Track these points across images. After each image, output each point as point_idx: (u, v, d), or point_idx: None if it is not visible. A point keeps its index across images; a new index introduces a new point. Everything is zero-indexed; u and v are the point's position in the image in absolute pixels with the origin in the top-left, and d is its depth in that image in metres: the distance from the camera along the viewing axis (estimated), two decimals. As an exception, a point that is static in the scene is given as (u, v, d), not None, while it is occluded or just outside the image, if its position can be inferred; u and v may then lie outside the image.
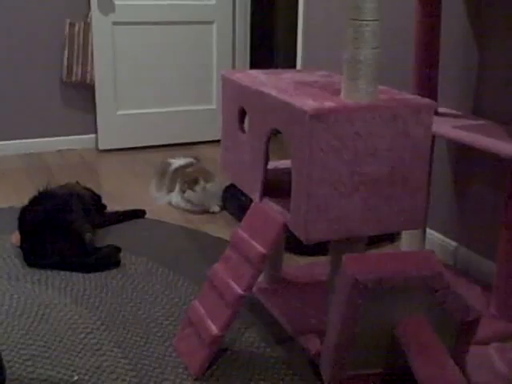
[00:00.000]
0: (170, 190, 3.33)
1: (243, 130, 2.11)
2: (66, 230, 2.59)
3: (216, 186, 3.27)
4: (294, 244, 2.38)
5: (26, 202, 2.74)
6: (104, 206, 3.10)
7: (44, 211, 2.62)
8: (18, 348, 2.04)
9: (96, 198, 3.07)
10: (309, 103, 1.71)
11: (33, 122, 4.22)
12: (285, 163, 2.16)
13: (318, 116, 1.66)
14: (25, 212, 2.68)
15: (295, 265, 2.57)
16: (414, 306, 1.63)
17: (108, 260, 2.61)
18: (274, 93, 1.86)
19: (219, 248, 2.48)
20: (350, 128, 1.70)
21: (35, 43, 4.10)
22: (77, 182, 3.12)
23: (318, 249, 2.58)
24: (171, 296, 2.38)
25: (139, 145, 4.37)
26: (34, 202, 2.72)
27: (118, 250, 2.68)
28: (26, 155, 4.17)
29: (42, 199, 2.72)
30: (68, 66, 4.12)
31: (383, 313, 1.63)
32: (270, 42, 5.63)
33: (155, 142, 4.40)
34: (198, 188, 3.19)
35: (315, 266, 2.49)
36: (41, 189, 2.79)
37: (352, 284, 1.58)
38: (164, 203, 3.34)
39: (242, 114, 2.10)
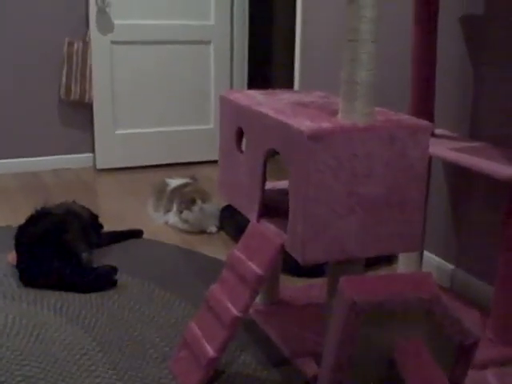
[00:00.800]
0: (168, 210, 3.34)
1: (241, 151, 2.11)
2: (63, 250, 2.59)
3: (213, 207, 3.27)
4: (291, 265, 2.38)
5: (22, 221, 2.73)
6: (101, 226, 3.09)
7: (40, 230, 2.62)
8: (12, 369, 2.03)
9: (93, 218, 3.07)
10: (306, 124, 1.71)
11: (30, 141, 4.23)
12: (282, 184, 2.17)
13: (316, 137, 1.67)
14: (21, 231, 2.68)
15: (292, 286, 2.56)
16: (412, 329, 1.63)
17: (104, 280, 2.60)
18: (271, 113, 1.87)
19: (216, 269, 2.47)
20: (347, 149, 1.71)
21: (33, 61, 4.12)
22: (73, 201, 3.12)
23: (315, 270, 2.57)
24: (167, 317, 2.37)
25: (137, 164, 4.38)
26: (31, 220, 2.71)
27: (115, 270, 2.67)
28: (23, 174, 4.17)
29: (38, 218, 2.72)
30: (66, 85, 4.14)
31: (381, 336, 1.62)
32: (268, 61, 5.66)
33: (153, 162, 4.41)
34: (195, 208, 3.19)
35: (312, 288, 2.48)
36: (37, 208, 2.79)
37: (349, 306, 1.57)
38: (161, 223, 3.34)
39: (240, 134, 2.10)
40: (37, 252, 2.57)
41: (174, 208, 3.28)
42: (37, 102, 4.19)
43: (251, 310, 2.22)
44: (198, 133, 4.49)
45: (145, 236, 3.15)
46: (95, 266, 2.70)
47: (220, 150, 2.27)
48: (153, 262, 2.86)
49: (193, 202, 3.20)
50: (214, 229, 3.25)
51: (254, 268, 1.88)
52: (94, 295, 2.52)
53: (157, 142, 4.40)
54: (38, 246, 2.58)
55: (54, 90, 4.19)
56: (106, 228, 3.11)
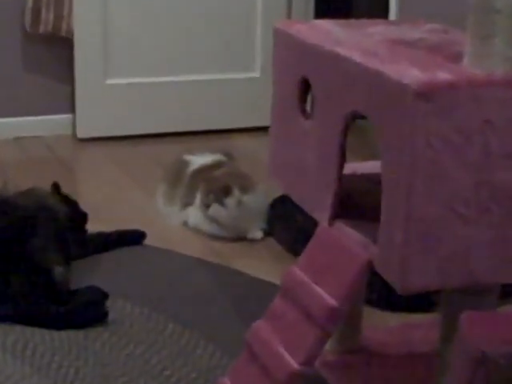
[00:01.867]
0: (187, 203, 3.36)
1: (306, 114, 2.11)
2: (28, 263, 2.62)
3: (258, 199, 3.29)
4: (381, 294, 2.37)
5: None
6: (84, 226, 3.11)
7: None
8: None
9: (73, 214, 3.09)
10: (412, 74, 1.70)
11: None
12: (371, 166, 2.16)
13: (428, 94, 1.65)
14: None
15: (383, 326, 2.56)
16: None
17: (89, 309, 2.63)
18: (356, 56, 1.85)
19: (263, 295, 2.47)
20: (477, 114, 1.69)
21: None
22: (54, 185, 3.12)
23: (419, 302, 2.56)
24: (186, 368, 2.38)
25: (138, 132, 4.40)
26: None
27: (105, 294, 2.68)
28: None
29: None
30: (34, 11, 4.17)
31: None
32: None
33: (164, 129, 4.43)
34: (229, 201, 3.20)
35: (415, 329, 2.47)
36: (-9, 197, 2.83)
37: (476, 359, 1.57)
38: (177, 223, 3.37)
39: (305, 88, 2.10)
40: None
41: (198, 200, 3.30)
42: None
43: (318, 362, 2.21)
44: (235, 85, 4.49)
45: (149, 242, 3.18)
46: (75, 287, 2.71)
47: (272, 113, 2.27)
48: (163, 282, 2.88)
49: (226, 191, 3.21)
50: (258, 234, 3.27)
51: (325, 296, 1.88)
52: (72, 333, 2.54)
53: (171, 98, 4.42)
54: (-9, 257, 2.62)
55: (15, 18, 4.23)
56: (92, 228, 3.13)
